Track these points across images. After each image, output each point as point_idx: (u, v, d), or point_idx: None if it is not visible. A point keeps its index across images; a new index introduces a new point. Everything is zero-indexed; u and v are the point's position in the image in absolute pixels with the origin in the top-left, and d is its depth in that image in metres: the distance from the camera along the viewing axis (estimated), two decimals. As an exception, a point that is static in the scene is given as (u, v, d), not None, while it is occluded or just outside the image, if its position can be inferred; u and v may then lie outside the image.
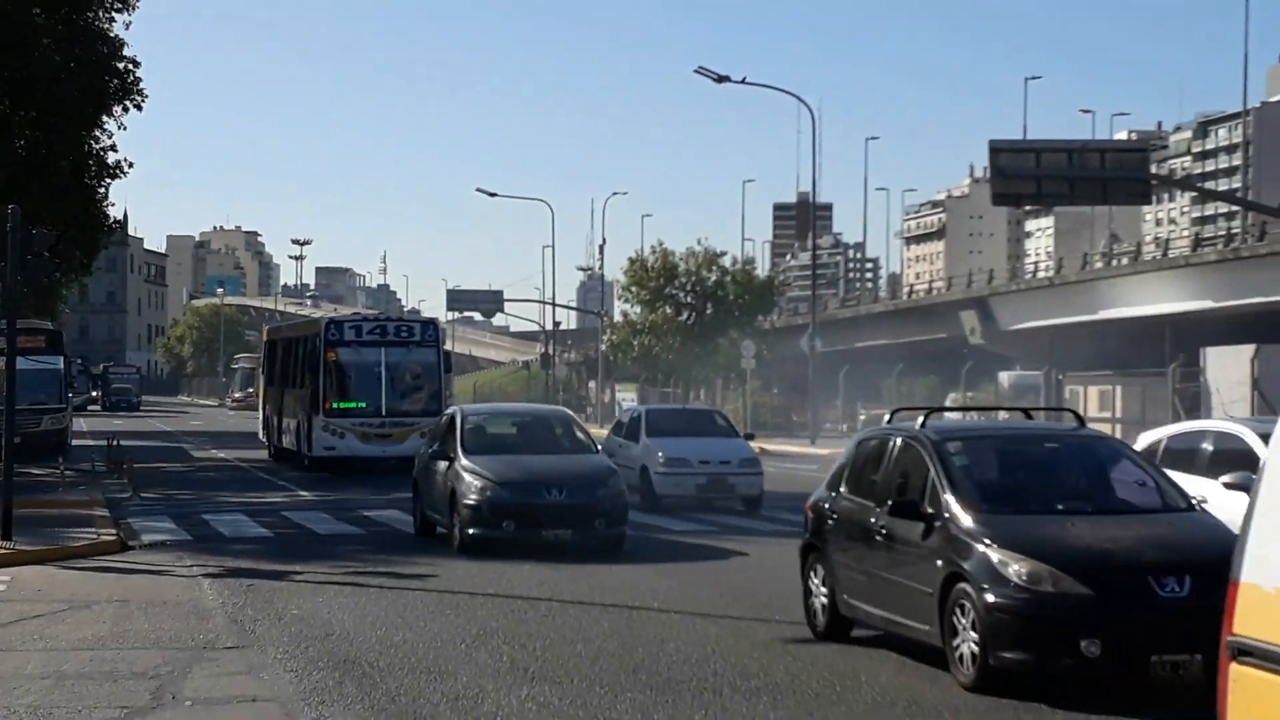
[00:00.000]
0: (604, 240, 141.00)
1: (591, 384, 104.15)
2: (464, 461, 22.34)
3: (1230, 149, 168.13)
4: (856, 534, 14.35)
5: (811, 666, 13.32)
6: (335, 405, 37.78)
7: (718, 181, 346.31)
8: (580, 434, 25.56)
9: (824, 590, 14.70)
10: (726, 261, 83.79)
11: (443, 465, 23.06)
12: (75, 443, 47.36)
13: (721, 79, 64.26)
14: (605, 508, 21.67)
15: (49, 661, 13.42)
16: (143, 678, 12.66)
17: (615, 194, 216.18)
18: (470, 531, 21.38)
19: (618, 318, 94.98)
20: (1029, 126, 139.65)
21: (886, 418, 16.99)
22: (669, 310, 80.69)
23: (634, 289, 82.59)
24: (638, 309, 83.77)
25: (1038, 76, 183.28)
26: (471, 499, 21.38)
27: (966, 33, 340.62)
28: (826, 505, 15.37)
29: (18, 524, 22.10)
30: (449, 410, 26.22)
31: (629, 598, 17.46)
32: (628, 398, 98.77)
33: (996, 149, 43.71)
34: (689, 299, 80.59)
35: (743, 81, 66.26)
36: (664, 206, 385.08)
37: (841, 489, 15.24)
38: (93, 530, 23.89)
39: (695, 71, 66.22)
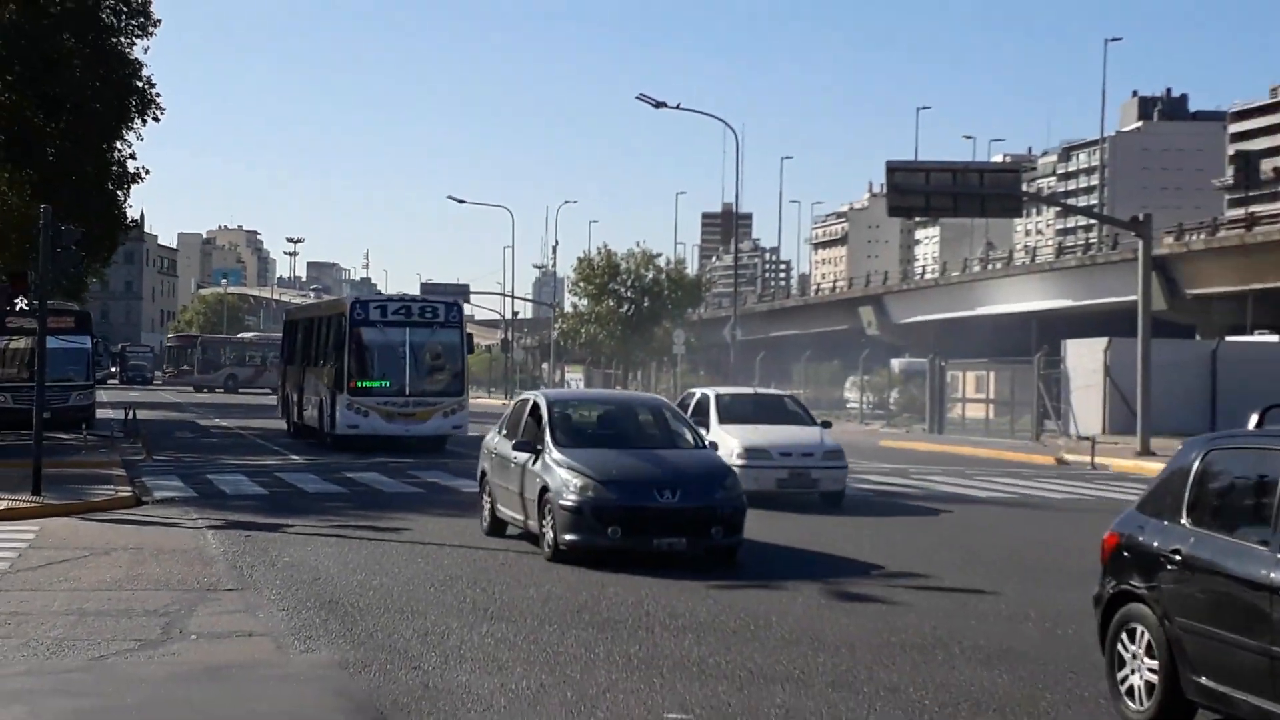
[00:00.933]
0: (557, 242, 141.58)
1: (545, 365, 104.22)
2: (555, 455, 16.77)
3: (1089, 171, 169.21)
4: (1229, 590, 8.68)
5: (730, 608, 13.36)
6: (359, 384, 33.54)
7: (655, 192, 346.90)
8: (681, 425, 19.41)
9: (1149, 663, 9.29)
10: (661, 262, 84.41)
11: (523, 458, 17.45)
12: (96, 413, 46.94)
13: (659, 104, 64.23)
14: (723, 512, 16.19)
15: (72, 600, 13.34)
16: (154, 615, 12.60)
17: (567, 202, 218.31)
18: (568, 538, 15.93)
19: (568, 309, 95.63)
20: (920, 149, 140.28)
21: (1255, 420, 9.83)
22: (611, 303, 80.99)
23: (582, 284, 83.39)
24: (585, 301, 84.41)
25: (928, 106, 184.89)
26: (569, 500, 15.96)
27: (869, 65, 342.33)
28: (1155, 542, 9.55)
29: (46, 482, 22.03)
30: (526, 395, 20.22)
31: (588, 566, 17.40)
32: (575, 377, 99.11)
33: (892, 168, 43.82)
34: (629, 293, 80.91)
35: (677, 107, 66.42)
36: (609, 213, 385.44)
37: (1184, 520, 9.40)
38: (111, 487, 23.69)
39: (637, 98, 66.15)
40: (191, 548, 17.31)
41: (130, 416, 38.75)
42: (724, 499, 16.37)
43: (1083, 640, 11.31)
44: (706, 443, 18.84)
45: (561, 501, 15.97)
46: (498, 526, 18.65)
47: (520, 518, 17.67)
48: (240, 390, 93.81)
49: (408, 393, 33.89)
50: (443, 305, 36.42)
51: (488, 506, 18.92)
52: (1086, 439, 41.74)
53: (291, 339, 44.51)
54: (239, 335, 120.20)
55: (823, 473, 23.92)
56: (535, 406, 18.26)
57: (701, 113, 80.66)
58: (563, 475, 16.24)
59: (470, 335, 38.56)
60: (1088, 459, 36.97)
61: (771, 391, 34.42)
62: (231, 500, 23.41)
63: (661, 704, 9.56)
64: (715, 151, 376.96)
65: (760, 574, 15.98)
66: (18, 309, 34.88)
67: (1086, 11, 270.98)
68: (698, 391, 28.27)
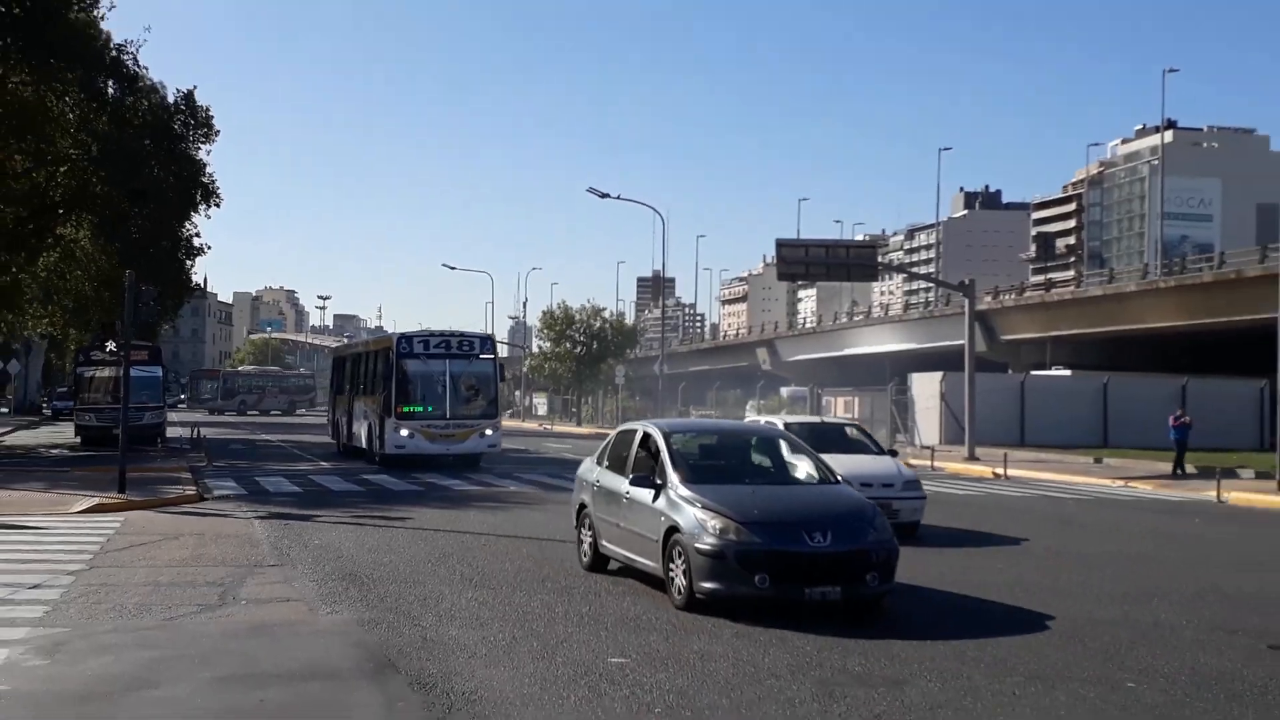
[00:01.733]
0: (526, 299, 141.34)
1: (517, 393, 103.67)
2: (683, 491, 12.23)
3: (928, 246, 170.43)
4: None
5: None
6: (405, 409, 30.29)
7: (601, 261, 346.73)
8: (806, 456, 14.02)
9: None
10: (606, 314, 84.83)
11: (640, 494, 12.73)
12: (168, 429, 46.40)
13: (604, 195, 64.61)
14: (878, 556, 11.72)
15: (149, 574, 13.13)
16: (213, 585, 12.43)
17: (534, 268, 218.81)
18: (707, 586, 11.35)
19: (535, 350, 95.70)
20: (801, 229, 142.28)
21: None
22: (568, 345, 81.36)
23: (545, 331, 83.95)
24: (548, 344, 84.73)
25: (807, 198, 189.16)
26: (708, 543, 11.46)
27: (764, 165, 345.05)
28: None
29: (129, 484, 21.82)
30: (632, 425, 14.77)
31: (549, 532, 17.31)
32: (540, 402, 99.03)
33: (780, 244, 44.36)
34: (581, 338, 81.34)
35: (618, 197, 66.84)
36: (566, 277, 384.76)
37: None
38: (180, 487, 23.35)
39: (587, 190, 66.89)
40: (242, 533, 17.10)
41: (196, 433, 38.40)
42: (877, 541, 11.67)
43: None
44: (839, 477, 13.21)
45: (698, 545, 11.25)
46: (599, 562, 13.68)
47: (633, 556, 12.70)
48: (248, 412, 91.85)
49: (448, 416, 30.62)
50: (478, 339, 32.83)
51: (588, 541, 13.92)
52: (927, 448, 42.17)
53: (340, 372, 40.52)
54: (244, 369, 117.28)
55: (903, 503, 18.06)
56: (648, 438, 13.25)
57: (637, 201, 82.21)
58: (695, 515, 11.52)
59: (502, 365, 34.67)
60: (929, 463, 37.25)
61: (834, 420, 29.30)
62: (273, 496, 23.17)
63: (606, 649, 9.52)
64: (647, 230, 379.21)
65: None
66: (108, 350, 34.64)
67: (926, 125, 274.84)
68: (761, 418, 23.16)
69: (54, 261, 40.06)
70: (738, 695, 8.25)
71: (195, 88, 40.23)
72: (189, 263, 45.71)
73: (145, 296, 23.35)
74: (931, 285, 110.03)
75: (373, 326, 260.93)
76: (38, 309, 43.86)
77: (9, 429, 50.96)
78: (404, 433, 30.07)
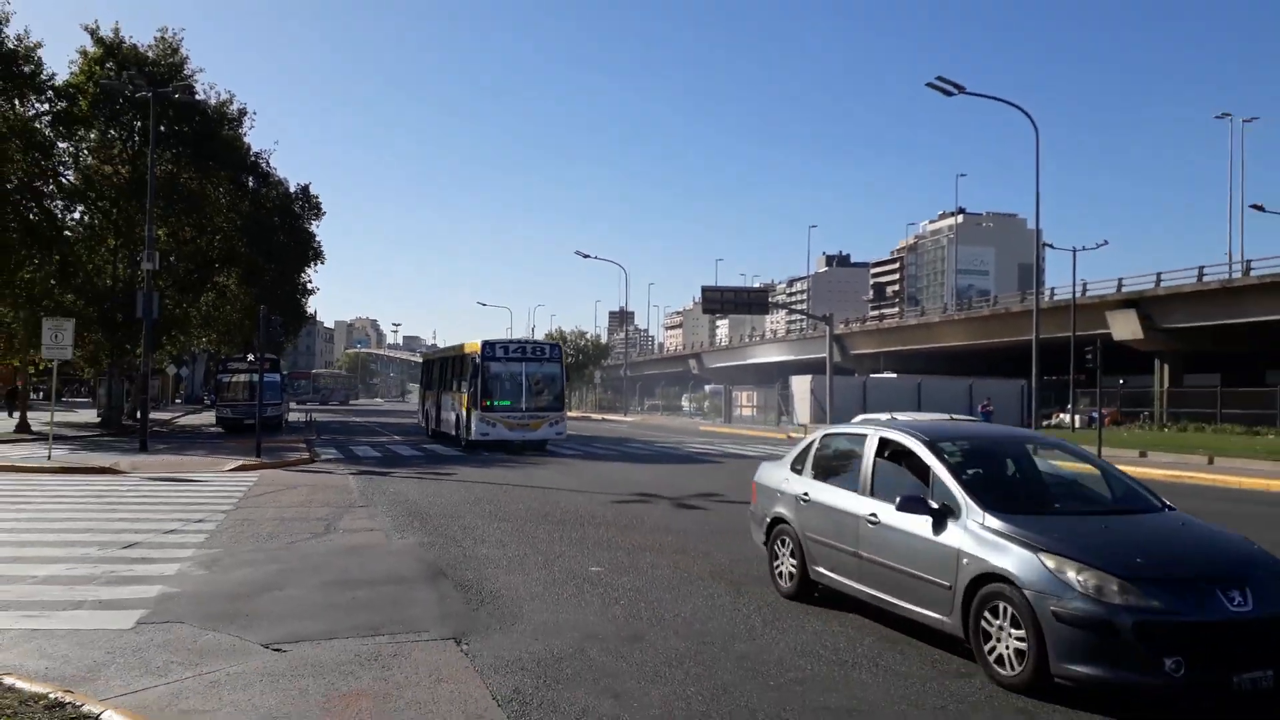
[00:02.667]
0: (534, 326, 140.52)
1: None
2: (994, 523, 5.67)
3: (802, 291, 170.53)
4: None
5: (622, 513, 13.24)
6: (489, 403, 26.08)
7: (583, 300, 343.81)
8: (1119, 474, 6.82)
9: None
10: (588, 336, 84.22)
11: (912, 523, 6.22)
12: (291, 416, 45.71)
13: (586, 255, 66.53)
14: None
15: (277, 512, 12.91)
16: (320, 520, 12.22)
17: (539, 305, 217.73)
18: (1079, 670, 4.97)
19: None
20: (718, 278, 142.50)
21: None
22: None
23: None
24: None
25: (721, 258, 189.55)
26: (1078, 608, 4.98)
27: (690, 234, 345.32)
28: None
29: (263, 451, 21.62)
30: (853, 427, 7.53)
31: (550, 483, 17.21)
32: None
33: (705, 289, 44.64)
34: (571, 352, 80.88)
35: (595, 257, 67.47)
36: (562, 310, 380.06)
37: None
38: (298, 453, 23.02)
39: (575, 253, 67.38)
40: (340, 485, 16.88)
41: (310, 418, 37.80)
42: None
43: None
44: (1163, 499, 6.61)
45: (1061, 608, 5.17)
46: (805, 589, 7.71)
47: (892, 600, 6.54)
48: (328, 402, 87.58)
49: (525, 409, 26.32)
50: (548, 346, 27.99)
51: (791, 564, 7.89)
52: (802, 425, 42.31)
53: (429, 372, 35.36)
54: (316, 371, 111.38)
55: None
56: (895, 445, 6.96)
57: (608, 259, 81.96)
58: (1042, 562, 5.38)
59: (566, 367, 29.64)
60: (803, 435, 37.35)
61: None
62: (362, 459, 22.88)
63: (588, 562, 9.44)
64: (615, 279, 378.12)
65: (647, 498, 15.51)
66: (241, 361, 34.66)
67: (802, 209, 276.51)
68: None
69: (211, 299, 39.52)
70: None
71: (309, 182, 40.31)
72: (304, 300, 45.19)
73: (274, 324, 23.44)
74: (805, 317, 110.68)
75: (429, 344, 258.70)
76: (199, 332, 43.28)
77: (182, 413, 50.48)
78: (488, 423, 26.06)
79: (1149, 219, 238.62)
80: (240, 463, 19.88)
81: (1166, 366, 48.86)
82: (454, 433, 28.61)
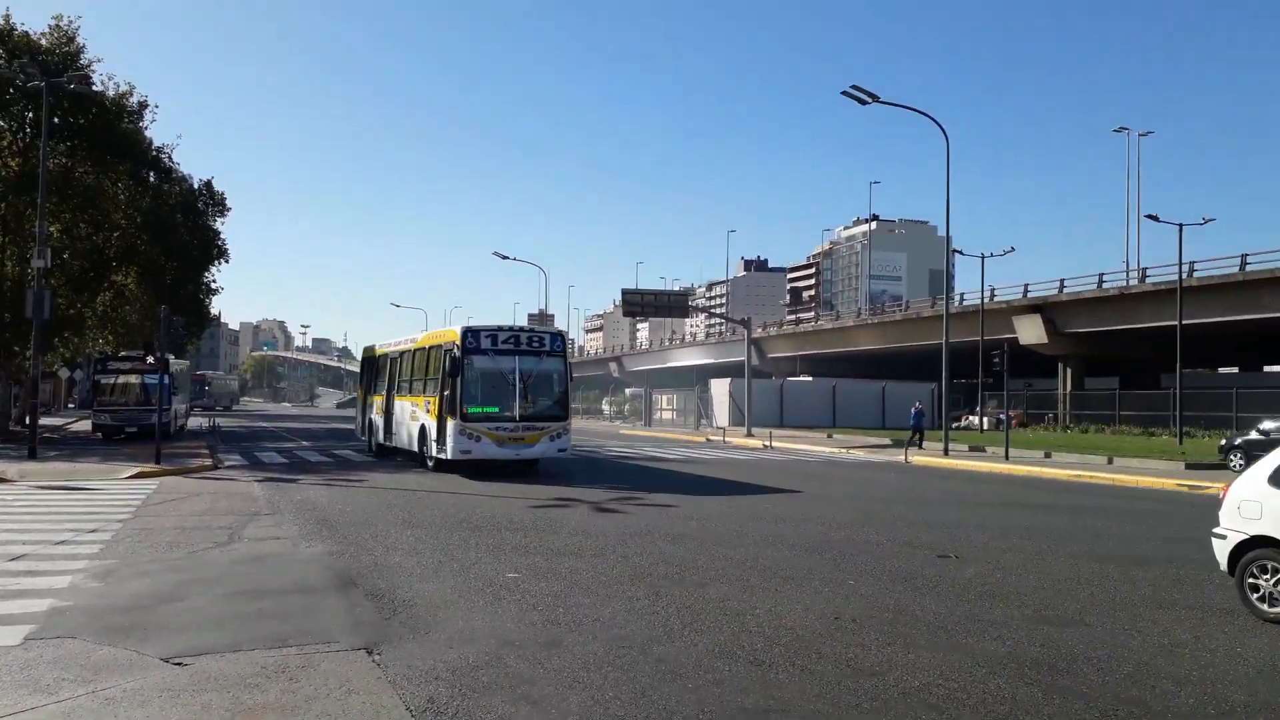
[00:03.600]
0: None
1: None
2: None
3: (721, 295, 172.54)
4: None
5: (541, 517, 13.18)
6: (472, 410, 19.20)
7: (501, 302, 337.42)
8: None
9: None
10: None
11: None
12: (192, 421, 43.96)
13: (505, 257, 64.75)
14: None
15: (178, 520, 12.45)
16: (223, 528, 11.85)
17: (456, 307, 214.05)
18: None
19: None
20: (638, 281, 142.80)
21: None
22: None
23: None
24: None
25: (642, 261, 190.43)
26: None
27: (611, 234, 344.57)
28: None
29: (163, 457, 20.90)
30: None
31: (464, 489, 17.00)
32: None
33: (625, 292, 44.94)
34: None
35: (515, 259, 66.64)
36: (479, 313, 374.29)
37: None
38: (200, 459, 22.24)
39: (494, 254, 65.93)
40: (245, 491, 16.38)
41: (212, 423, 36.57)
42: None
43: (721, 528, 11.34)
44: None
45: None
46: None
47: None
48: (214, 406, 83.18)
49: (518, 418, 19.49)
50: (548, 335, 20.84)
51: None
52: (720, 428, 42.80)
53: (373, 371, 26.98)
54: (206, 373, 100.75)
55: None
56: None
57: (527, 261, 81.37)
58: None
59: (571, 363, 21.41)
60: (721, 438, 37.89)
61: None
62: (267, 465, 22.25)
63: (505, 568, 9.37)
64: (535, 281, 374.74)
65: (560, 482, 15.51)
66: (147, 361, 32.81)
67: (723, 213, 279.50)
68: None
69: (109, 299, 37.91)
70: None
71: (213, 177, 38.82)
72: (207, 300, 43.68)
73: (175, 325, 22.61)
74: (724, 320, 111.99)
75: (340, 347, 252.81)
76: (95, 334, 41.40)
77: (75, 419, 48.33)
78: (470, 436, 19.12)
79: (1054, 227, 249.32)
80: (138, 469, 19.09)
81: (1070, 370, 51.12)
82: (415, 449, 21.66)
